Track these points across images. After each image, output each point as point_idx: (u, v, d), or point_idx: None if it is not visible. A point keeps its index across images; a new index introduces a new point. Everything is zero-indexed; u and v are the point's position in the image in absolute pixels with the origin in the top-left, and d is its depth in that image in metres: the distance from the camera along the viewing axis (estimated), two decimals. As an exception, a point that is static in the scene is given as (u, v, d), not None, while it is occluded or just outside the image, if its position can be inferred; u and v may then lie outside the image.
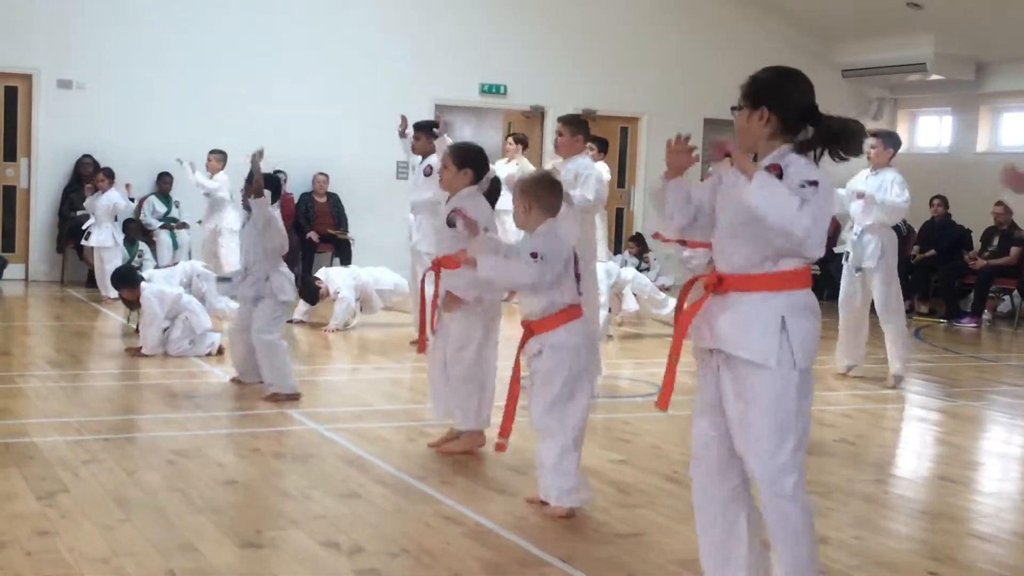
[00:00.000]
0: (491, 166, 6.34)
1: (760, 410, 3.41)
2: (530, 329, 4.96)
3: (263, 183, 7.31)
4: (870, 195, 8.51)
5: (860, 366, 8.88)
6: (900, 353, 8.60)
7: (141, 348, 8.60)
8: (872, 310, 8.81)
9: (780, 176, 3.37)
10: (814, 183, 3.32)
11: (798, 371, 3.40)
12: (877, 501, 5.44)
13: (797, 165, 3.39)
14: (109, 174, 12.52)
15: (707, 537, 3.67)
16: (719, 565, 3.64)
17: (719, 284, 3.47)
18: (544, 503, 5.00)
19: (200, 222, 13.07)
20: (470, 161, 5.92)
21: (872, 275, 8.64)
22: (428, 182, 9.38)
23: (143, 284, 8.85)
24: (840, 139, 3.44)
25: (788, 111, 3.45)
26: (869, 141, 8.72)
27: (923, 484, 6.05)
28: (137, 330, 9.55)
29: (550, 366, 4.91)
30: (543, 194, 5.04)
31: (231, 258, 12.31)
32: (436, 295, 6.01)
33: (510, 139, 12.29)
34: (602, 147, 10.89)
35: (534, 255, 4.86)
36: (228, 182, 12.78)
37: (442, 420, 6.11)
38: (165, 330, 8.65)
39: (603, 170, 10.99)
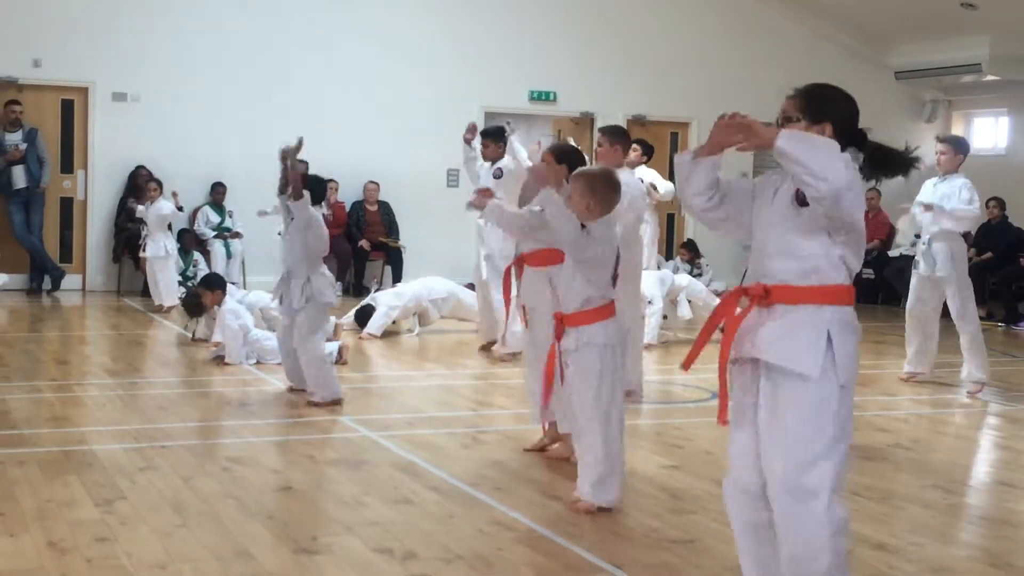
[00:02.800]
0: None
1: (797, 421, 3.34)
2: (562, 322, 5.02)
3: (301, 185, 7.30)
4: (938, 206, 8.38)
5: (926, 374, 8.77)
6: (978, 360, 8.45)
7: (224, 357, 8.69)
8: (944, 315, 8.67)
9: None
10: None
11: (839, 387, 3.34)
12: (935, 507, 5.36)
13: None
14: (160, 184, 12.65)
15: (752, 569, 3.58)
16: None
17: (765, 296, 3.43)
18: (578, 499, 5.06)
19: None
20: (568, 159, 5.94)
21: (946, 284, 8.47)
22: (498, 185, 9.46)
23: (226, 299, 8.95)
24: (887, 167, 3.40)
25: (843, 130, 3.41)
26: (938, 147, 8.58)
27: (983, 489, 5.95)
28: (195, 338, 9.66)
29: (586, 364, 4.95)
30: (606, 191, 5.05)
31: None
32: (509, 293, 6.10)
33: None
34: (646, 151, 10.83)
35: (583, 227, 4.93)
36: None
37: (536, 424, 6.13)
38: (249, 340, 8.77)
39: (648, 175, 10.97)
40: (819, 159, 3.16)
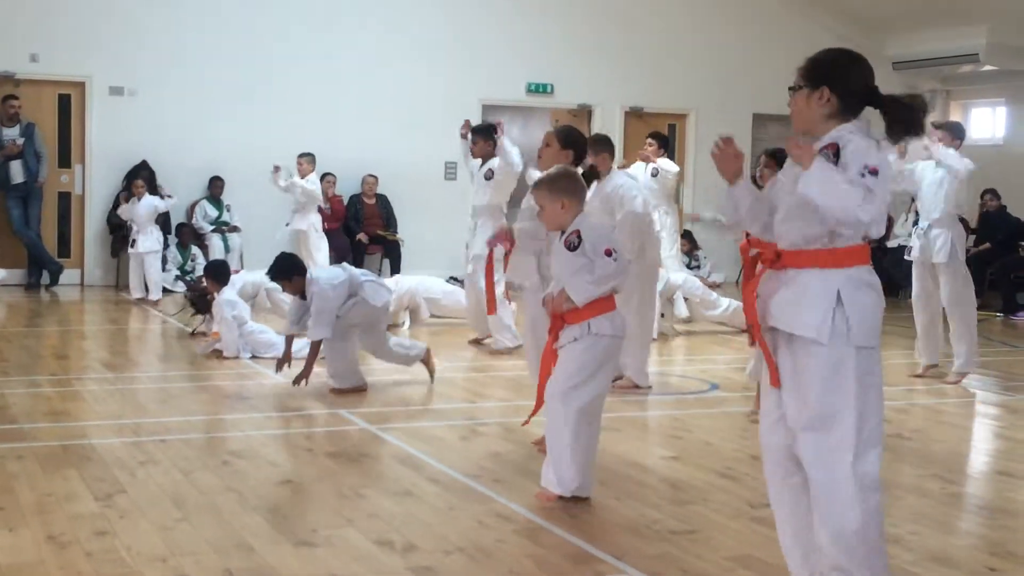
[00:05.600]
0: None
1: (814, 385, 3.35)
2: (563, 319, 4.91)
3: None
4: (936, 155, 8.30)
5: (938, 364, 8.76)
6: (966, 349, 8.42)
7: (222, 351, 8.67)
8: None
9: (837, 153, 3.32)
10: (875, 172, 3.26)
11: (855, 347, 3.33)
12: (934, 496, 5.37)
13: (856, 145, 3.32)
14: (147, 179, 12.69)
15: (786, 532, 3.61)
16: (802, 559, 3.59)
17: (777, 259, 3.44)
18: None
19: (287, 224, 13.05)
20: (574, 143, 5.88)
21: (942, 270, 8.44)
22: (489, 185, 9.43)
23: (224, 288, 8.91)
24: (906, 120, 3.40)
25: (849, 92, 3.42)
26: (935, 134, 8.53)
27: (982, 479, 5.96)
28: (193, 333, 9.65)
29: (581, 350, 4.87)
30: (573, 187, 5.00)
31: (319, 256, 12.60)
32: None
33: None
34: (663, 143, 10.95)
35: (609, 253, 4.84)
36: (319, 183, 12.94)
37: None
38: (246, 333, 8.74)
39: (666, 166, 10.99)
40: (845, 205, 3.23)
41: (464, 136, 9.80)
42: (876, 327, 3.39)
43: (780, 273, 3.43)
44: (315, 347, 7.29)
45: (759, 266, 3.54)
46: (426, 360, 7.89)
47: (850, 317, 3.33)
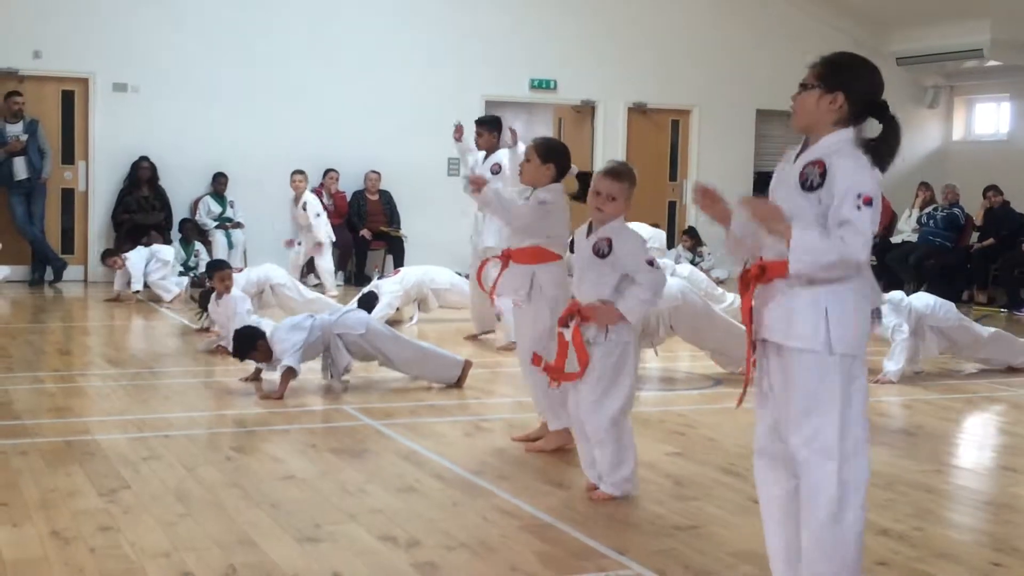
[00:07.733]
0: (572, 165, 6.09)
1: (801, 394, 3.40)
2: (582, 315, 4.91)
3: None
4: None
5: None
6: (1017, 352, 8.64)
7: (226, 347, 8.66)
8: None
9: (823, 174, 3.30)
10: (869, 201, 3.26)
11: (840, 356, 3.36)
12: (938, 492, 5.37)
13: (845, 169, 3.30)
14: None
15: (774, 538, 3.62)
16: (785, 566, 3.60)
17: (762, 274, 3.45)
18: (595, 487, 5.04)
19: (299, 243, 13.07)
20: (554, 156, 5.75)
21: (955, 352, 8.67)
22: (496, 180, 9.36)
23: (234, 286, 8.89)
24: (892, 148, 3.39)
25: (862, 100, 3.40)
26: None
27: (985, 474, 5.96)
28: (198, 329, 9.65)
29: (600, 357, 4.90)
30: (632, 186, 4.97)
31: (326, 257, 12.85)
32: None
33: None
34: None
35: (651, 263, 4.87)
36: (315, 200, 12.94)
37: (542, 416, 6.03)
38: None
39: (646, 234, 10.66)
40: (833, 264, 3.28)
41: (458, 139, 9.76)
42: (861, 336, 3.42)
43: (770, 285, 3.44)
44: (287, 374, 7.15)
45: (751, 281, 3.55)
46: (462, 374, 7.66)
47: (836, 327, 3.35)
